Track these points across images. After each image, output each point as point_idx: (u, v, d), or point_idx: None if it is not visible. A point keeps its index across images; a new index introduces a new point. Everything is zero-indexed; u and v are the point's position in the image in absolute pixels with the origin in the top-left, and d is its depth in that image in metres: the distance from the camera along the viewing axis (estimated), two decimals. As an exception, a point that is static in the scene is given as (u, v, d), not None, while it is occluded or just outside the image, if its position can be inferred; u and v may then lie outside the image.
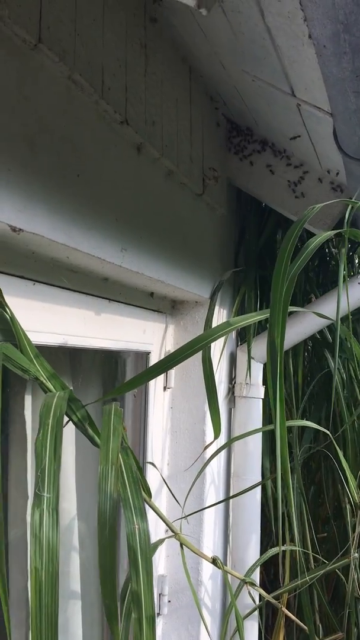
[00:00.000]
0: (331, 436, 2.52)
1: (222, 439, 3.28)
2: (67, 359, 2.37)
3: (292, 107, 2.44)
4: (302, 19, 1.56)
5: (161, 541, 2.38)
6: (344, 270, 2.55)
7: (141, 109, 2.20)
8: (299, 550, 3.03)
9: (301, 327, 3.21)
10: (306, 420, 3.26)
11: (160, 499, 3.04)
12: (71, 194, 1.84)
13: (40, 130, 1.73)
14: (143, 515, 1.50)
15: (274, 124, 3.11)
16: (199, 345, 1.83)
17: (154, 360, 2.91)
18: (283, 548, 3.07)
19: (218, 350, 3.27)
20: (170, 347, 3.10)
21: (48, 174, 1.76)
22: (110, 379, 2.68)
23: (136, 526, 1.47)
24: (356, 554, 2.71)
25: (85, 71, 1.89)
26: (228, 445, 2.49)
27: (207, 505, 3.01)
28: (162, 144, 2.43)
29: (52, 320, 2.08)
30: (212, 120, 3.25)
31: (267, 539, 3.81)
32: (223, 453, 3.37)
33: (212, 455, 2.39)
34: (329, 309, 3.10)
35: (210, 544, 3.19)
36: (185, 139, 2.76)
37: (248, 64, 2.18)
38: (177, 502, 2.69)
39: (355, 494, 2.79)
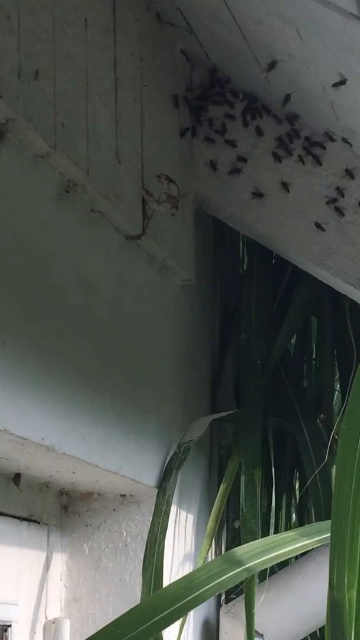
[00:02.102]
0: None
1: None
2: None
3: (357, 47, 1.64)
4: None
5: None
6: None
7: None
8: None
9: None
10: None
11: None
12: None
13: None
14: None
15: (309, 80, 1.96)
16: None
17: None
18: None
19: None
20: (58, 610, 2.21)
21: None
22: None
23: None
24: None
25: None
26: None
27: None
28: (54, 121, 1.65)
29: None
30: (162, 62, 2.15)
31: None
32: None
33: None
34: None
35: None
36: (103, 108, 1.84)
37: None
38: None
39: None
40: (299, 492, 2.35)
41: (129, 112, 1.84)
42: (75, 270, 1.79)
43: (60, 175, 1.71)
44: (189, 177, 2.16)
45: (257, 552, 1.59)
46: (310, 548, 1.65)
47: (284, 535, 1.67)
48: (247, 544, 1.65)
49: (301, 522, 2.44)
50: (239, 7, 1.72)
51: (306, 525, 1.98)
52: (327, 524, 1.43)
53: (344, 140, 1.99)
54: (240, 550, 1.63)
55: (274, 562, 1.67)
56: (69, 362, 1.79)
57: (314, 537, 1.61)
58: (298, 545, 1.63)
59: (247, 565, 1.58)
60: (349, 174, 2.04)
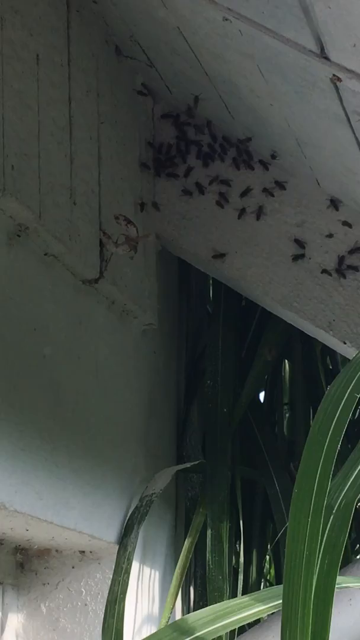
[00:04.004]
0: None
1: None
2: None
3: (318, 84, 1.62)
4: None
5: None
6: None
7: None
8: None
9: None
10: None
11: None
12: None
13: None
14: None
15: (273, 116, 1.93)
16: None
17: None
18: None
19: None
20: None
21: None
22: None
23: None
24: None
25: None
26: None
27: None
28: (2, 163, 1.58)
29: None
30: (122, 97, 2.08)
31: None
32: None
33: None
34: None
35: None
36: (56, 147, 1.77)
37: None
38: None
39: None
40: (271, 545, 2.26)
41: (85, 150, 1.79)
42: (29, 317, 1.73)
43: (10, 218, 1.65)
44: (151, 216, 2.10)
45: (209, 620, 1.52)
46: (265, 615, 1.58)
47: (238, 600, 1.57)
48: (200, 610, 1.56)
49: (278, 576, 2.35)
50: (197, 41, 1.66)
51: (262, 590, 1.91)
52: (280, 589, 1.37)
53: (317, 181, 1.94)
54: (192, 618, 1.54)
55: (227, 630, 1.61)
56: (21, 414, 1.71)
57: (269, 602, 1.54)
58: (252, 612, 1.53)
59: (197, 634, 1.50)
60: (319, 214, 1.98)
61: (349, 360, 1.98)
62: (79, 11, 1.76)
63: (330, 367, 2.44)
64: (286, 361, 2.67)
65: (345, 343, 1.88)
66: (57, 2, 1.71)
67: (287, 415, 2.54)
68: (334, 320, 1.91)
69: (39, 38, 1.63)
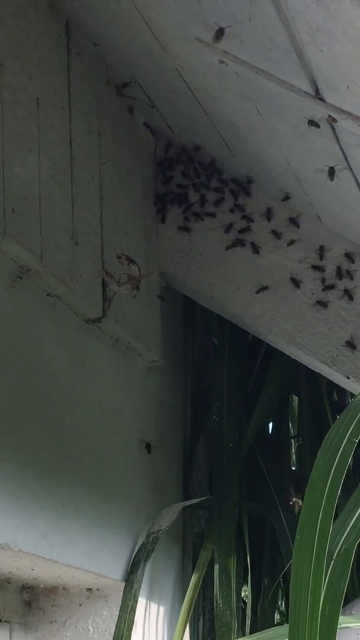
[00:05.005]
0: None
1: None
2: None
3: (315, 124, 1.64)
4: None
5: None
6: None
7: None
8: None
9: None
10: None
11: None
12: None
13: None
14: None
15: (272, 154, 1.92)
16: None
17: None
18: None
19: None
20: None
21: None
22: None
23: None
24: None
25: None
26: None
27: None
28: (3, 207, 1.56)
29: None
30: (123, 136, 2.05)
31: None
32: None
33: None
34: None
35: None
36: (58, 189, 1.74)
37: (210, 27, 1.52)
38: None
39: None
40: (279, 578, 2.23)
41: (87, 191, 1.78)
42: (32, 357, 1.71)
43: (12, 260, 1.64)
44: (155, 254, 2.09)
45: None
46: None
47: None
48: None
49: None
50: (195, 82, 1.67)
51: (265, 630, 1.89)
52: (286, 628, 1.36)
53: (318, 217, 1.92)
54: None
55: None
56: (25, 454, 1.70)
57: (275, 642, 1.52)
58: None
59: None
60: (321, 250, 1.97)
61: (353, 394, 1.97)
62: (79, 54, 1.75)
63: (336, 400, 2.42)
64: (292, 395, 2.64)
65: (349, 378, 1.86)
66: (57, 45, 1.70)
67: (294, 449, 2.51)
68: (337, 355, 1.89)
69: (39, 82, 1.62)
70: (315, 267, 1.95)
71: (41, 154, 1.64)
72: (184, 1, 1.45)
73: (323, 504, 1.25)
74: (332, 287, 1.94)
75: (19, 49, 1.58)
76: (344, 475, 1.25)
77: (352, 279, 1.96)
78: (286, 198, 1.96)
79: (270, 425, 2.54)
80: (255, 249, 1.99)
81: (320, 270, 1.95)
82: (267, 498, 2.30)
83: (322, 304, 1.91)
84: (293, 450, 2.49)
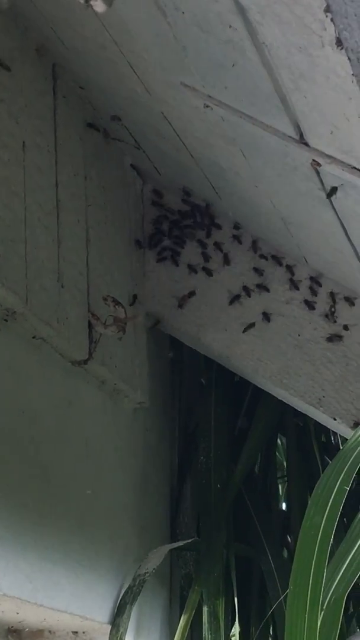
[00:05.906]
0: None
1: None
2: None
3: (299, 168, 1.61)
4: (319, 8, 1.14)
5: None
6: None
7: None
8: None
9: None
10: None
11: None
12: None
13: None
14: None
15: (258, 196, 1.87)
16: None
17: None
18: None
19: None
20: None
21: None
22: None
23: None
24: None
25: None
26: None
27: None
28: None
29: None
30: (110, 179, 2.02)
31: None
32: None
33: None
34: None
35: None
36: (44, 232, 1.72)
37: (197, 72, 1.51)
38: None
39: None
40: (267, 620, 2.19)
41: (73, 233, 1.76)
42: (17, 400, 1.69)
43: (-5, 306, 1.61)
44: (141, 295, 2.06)
45: None
46: None
47: None
48: None
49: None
50: (181, 126, 1.66)
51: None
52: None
53: (305, 259, 1.90)
54: None
55: None
56: (10, 496, 1.67)
57: None
58: None
59: None
60: (312, 291, 1.96)
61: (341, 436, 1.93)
62: (65, 97, 1.73)
63: (324, 441, 2.38)
64: (280, 435, 2.60)
65: (335, 419, 1.82)
66: (43, 89, 1.68)
67: (282, 489, 2.47)
68: (323, 397, 1.85)
69: (25, 125, 1.60)
70: (302, 307, 1.93)
71: (27, 197, 1.61)
72: (168, 47, 1.44)
73: (315, 554, 1.23)
74: (318, 327, 1.92)
75: (5, 93, 1.56)
76: (335, 524, 1.23)
77: (335, 320, 1.93)
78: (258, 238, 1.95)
79: (258, 465, 2.46)
80: (243, 292, 1.97)
81: (308, 310, 1.93)
82: (254, 540, 2.25)
83: (308, 344, 1.89)
84: (281, 491, 2.46)
